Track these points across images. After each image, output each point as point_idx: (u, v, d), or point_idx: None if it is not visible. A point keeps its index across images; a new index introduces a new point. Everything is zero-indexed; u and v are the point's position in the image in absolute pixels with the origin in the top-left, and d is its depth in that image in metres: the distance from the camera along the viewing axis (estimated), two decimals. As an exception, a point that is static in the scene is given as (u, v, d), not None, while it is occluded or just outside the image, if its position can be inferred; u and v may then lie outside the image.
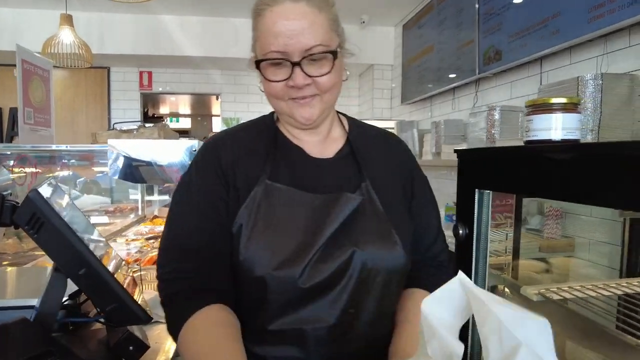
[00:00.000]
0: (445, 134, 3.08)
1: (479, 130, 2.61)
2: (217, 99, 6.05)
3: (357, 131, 0.90)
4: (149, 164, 1.46)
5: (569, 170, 0.70)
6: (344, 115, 0.94)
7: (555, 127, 0.79)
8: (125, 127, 1.76)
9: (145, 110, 8.25)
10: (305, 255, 0.71)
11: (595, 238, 1.72)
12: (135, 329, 0.97)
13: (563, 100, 0.80)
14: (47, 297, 0.85)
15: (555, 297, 0.76)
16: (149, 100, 8.24)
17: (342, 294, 0.71)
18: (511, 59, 2.52)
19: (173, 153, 1.47)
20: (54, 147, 1.47)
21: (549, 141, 0.80)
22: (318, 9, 0.75)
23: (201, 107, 9.02)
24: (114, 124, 1.79)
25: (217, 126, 9.21)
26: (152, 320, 0.89)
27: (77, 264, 0.77)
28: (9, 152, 1.47)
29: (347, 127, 0.91)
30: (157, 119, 8.96)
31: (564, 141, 0.79)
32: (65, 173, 2.60)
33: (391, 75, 4.71)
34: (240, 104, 5.14)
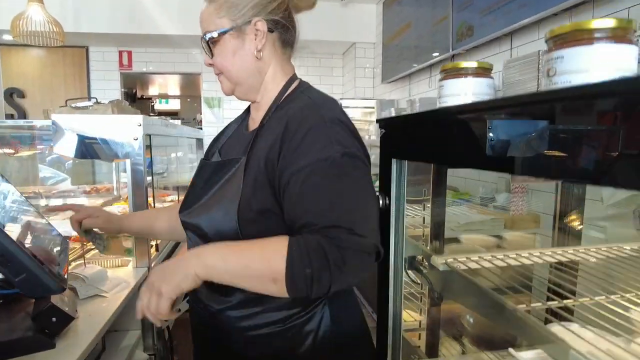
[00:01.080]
0: (420, 112, 3.06)
1: (451, 108, 2.60)
2: (198, 76, 5.96)
3: (281, 108, 0.91)
4: (92, 138, 1.44)
5: (473, 135, 0.69)
6: (299, 91, 0.94)
7: (466, 92, 0.78)
8: (80, 103, 1.73)
9: (134, 91, 8.15)
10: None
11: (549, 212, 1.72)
12: (61, 301, 0.96)
13: (474, 64, 0.78)
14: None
15: (462, 267, 0.76)
16: (137, 81, 8.12)
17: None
18: (482, 35, 2.49)
19: (117, 128, 1.45)
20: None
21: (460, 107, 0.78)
22: (209, 2, 0.90)
23: (190, 88, 8.91)
24: (66, 100, 1.76)
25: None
26: (65, 290, 0.88)
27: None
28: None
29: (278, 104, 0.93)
30: (146, 100, 8.85)
31: (472, 104, 0.78)
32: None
33: (373, 53, 4.65)
34: (221, 84, 5.07)
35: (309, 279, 0.70)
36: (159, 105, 9.28)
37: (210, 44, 0.90)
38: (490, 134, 0.57)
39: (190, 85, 8.51)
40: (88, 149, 1.43)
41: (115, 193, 3.24)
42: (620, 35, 0.58)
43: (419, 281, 0.91)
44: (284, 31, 0.92)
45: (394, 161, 0.88)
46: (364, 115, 4.13)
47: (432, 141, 0.75)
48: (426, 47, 3.25)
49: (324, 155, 0.78)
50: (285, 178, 0.80)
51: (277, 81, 0.94)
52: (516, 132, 0.55)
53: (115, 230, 1.23)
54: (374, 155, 0.92)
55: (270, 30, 0.90)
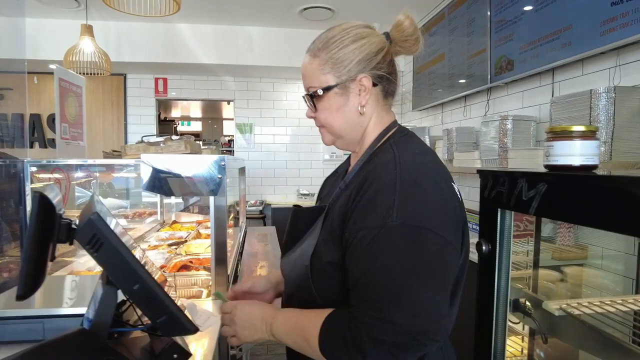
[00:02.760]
0: (457, 142, 3.13)
1: (491, 139, 2.66)
2: (227, 103, 6.14)
3: (368, 161, 0.89)
4: (179, 175, 1.53)
5: (590, 197, 0.75)
6: (389, 143, 0.89)
7: (575, 154, 0.84)
8: (152, 139, 1.83)
9: (159, 114, 8.38)
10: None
11: (608, 247, 1.76)
12: (179, 337, 1.04)
13: (582, 128, 0.85)
14: (101, 309, 0.92)
15: (576, 312, 0.82)
16: (161, 104, 8.34)
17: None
18: (523, 69, 2.57)
19: (202, 166, 1.54)
20: (90, 161, 1.54)
21: (569, 167, 0.85)
22: (312, 56, 0.91)
23: (212, 111, 9.13)
24: (142, 137, 1.87)
25: (228, 130, 9.32)
26: (198, 331, 0.95)
27: (131, 280, 0.84)
28: (49, 163, 1.56)
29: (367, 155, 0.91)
30: (169, 122, 9.08)
31: (583, 167, 0.84)
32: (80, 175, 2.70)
33: (401, 81, 4.76)
34: (253, 110, 5.22)
35: None
36: (181, 127, 9.49)
37: (314, 99, 0.90)
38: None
39: (211, 108, 8.72)
40: (174, 186, 1.52)
41: (158, 218, 3.34)
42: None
43: (517, 320, 0.96)
44: (387, 83, 0.92)
45: (499, 211, 0.94)
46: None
47: (554, 198, 0.82)
48: (461, 78, 3.34)
49: (378, 222, 0.74)
50: (345, 238, 0.80)
51: (375, 132, 0.92)
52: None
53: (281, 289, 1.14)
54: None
55: (374, 85, 0.89)
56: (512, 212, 0.94)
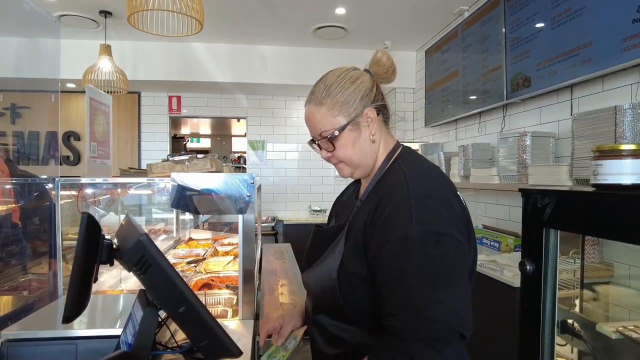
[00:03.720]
0: (473, 158, 3.12)
1: (509, 155, 2.65)
2: (237, 120, 6.19)
3: (380, 181, 1.00)
4: (208, 193, 1.53)
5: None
6: (397, 163, 1.01)
7: (626, 172, 0.84)
8: (177, 157, 1.85)
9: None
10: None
11: (636, 264, 1.73)
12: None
13: (632, 147, 0.85)
14: (142, 331, 0.91)
15: (634, 335, 0.80)
16: (172, 121, 8.42)
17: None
18: (541, 86, 2.57)
19: (231, 184, 1.54)
20: (120, 180, 1.55)
21: (619, 186, 0.84)
22: (317, 105, 1.01)
23: (221, 128, 9.20)
24: (167, 155, 1.88)
25: (237, 146, 9.37)
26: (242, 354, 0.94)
27: (178, 302, 0.83)
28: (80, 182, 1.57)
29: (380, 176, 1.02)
30: (179, 139, 9.14)
31: (634, 185, 0.83)
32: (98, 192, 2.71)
33: (413, 98, 4.79)
34: (265, 127, 5.26)
35: None
36: (190, 144, 9.56)
37: (332, 140, 1.00)
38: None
39: (221, 125, 8.79)
40: (203, 204, 1.52)
41: (174, 235, 3.33)
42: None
43: (563, 342, 0.94)
44: (385, 111, 1.06)
45: (544, 230, 0.93)
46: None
47: (605, 217, 0.81)
48: (475, 94, 3.35)
49: (400, 233, 0.84)
50: (371, 254, 0.90)
51: (384, 154, 1.05)
52: None
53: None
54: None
55: (377, 114, 1.02)
56: (558, 231, 0.92)
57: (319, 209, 5.16)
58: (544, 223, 0.93)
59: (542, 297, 0.95)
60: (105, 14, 3.59)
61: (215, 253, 2.78)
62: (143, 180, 1.63)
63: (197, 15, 2.05)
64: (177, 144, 8.90)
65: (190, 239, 3.27)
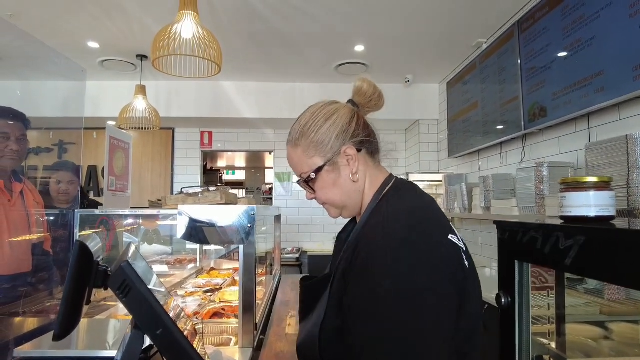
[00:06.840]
0: (494, 189, 3.07)
1: (528, 186, 2.60)
2: (269, 153, 6.39)
3: (365, 220, 0.91)
4: (212, 225, 1.61)
5: (607, 251, 0.74)
6: (383, 202, 0.92)
7: (589, 204, 0.84)
8: (191, 190, 1.95)
9: (205, 164, 8.84)
10: None
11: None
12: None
13: (594, 179, 0.85)
14: (127, 352, 0.97)
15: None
16: (207, 155, 8.80)
17: None
18: (556, 116, 2.54)
19: (233, 216, 1.61)
20: (127, 211, 1.67)
21: (584, 218, 0.85)
22: (293, 146, 0.95)
23: (255, 161, 9.51)
24: (182, 188, 2.00)
25: (269, 178, 9.62)
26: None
27: (155, 325, 0.89)
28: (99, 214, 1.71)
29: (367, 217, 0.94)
30: (215, 172, 9.51)
31: (598, 217, 0.83)
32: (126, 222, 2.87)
33: (437, 129, 4.80)
34: (291, 160, 5.39)
35: None
36: (226, 176, 9.89)
37: (310, 182, 0.93)
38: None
39: (255, 158, 9.09)
40: (207, 235, 1.60)
41: (197, 265, 3.44)
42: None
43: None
44: (369, 145, 0.95)
45: (516, 263, 0.93)
46: (429, 187, 4.20)
47: (572, 251, 0.81)
48: (495, 125, 3.33)
49: (370, 288, 0.75)
50: (344, 305, 0.81)
51: (371, 192, 0.95)
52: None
53: None
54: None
55: (358, 150, 0.93)
56: (530, 265, 0.92)
57: (344, 240, 5.15)
58: (515, 255, 0.94)
59: (519, 330, 0.95)
60: (142, 57, 3.91)
61: (234, 283, 2.85)
62: (154, 212, 1.74)
63: (215, 59, 2.21)
64: (214, 176, 9.25)
65: (212, 269, 3.36)
